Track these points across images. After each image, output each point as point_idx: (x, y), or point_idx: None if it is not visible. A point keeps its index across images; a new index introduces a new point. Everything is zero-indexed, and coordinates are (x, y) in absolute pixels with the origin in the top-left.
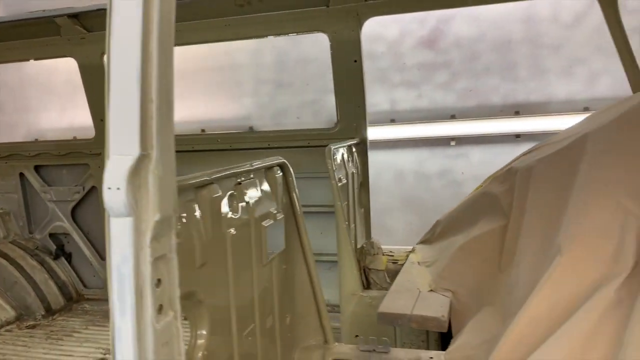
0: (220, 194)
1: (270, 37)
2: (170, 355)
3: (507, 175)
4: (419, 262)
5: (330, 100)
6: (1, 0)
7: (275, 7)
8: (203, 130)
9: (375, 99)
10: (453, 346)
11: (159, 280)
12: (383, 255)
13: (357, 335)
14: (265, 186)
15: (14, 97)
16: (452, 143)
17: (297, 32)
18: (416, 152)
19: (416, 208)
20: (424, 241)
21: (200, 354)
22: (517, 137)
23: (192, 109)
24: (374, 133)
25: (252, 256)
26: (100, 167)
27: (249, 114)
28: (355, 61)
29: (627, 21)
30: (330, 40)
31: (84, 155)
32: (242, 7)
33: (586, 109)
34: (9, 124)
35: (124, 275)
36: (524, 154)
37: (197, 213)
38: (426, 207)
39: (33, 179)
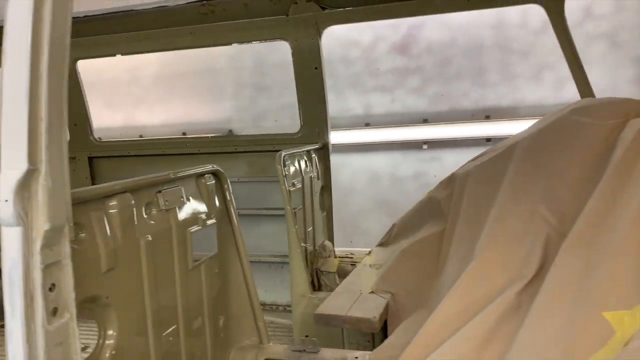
0: (133, 202)
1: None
2: (66, 354)
3: (450, 181)
4: (370, 265)
5: None
6: None
7: (238, 15)
8: (184, 133)
9: (350, 103)
10: (380, 346)
11: (53, 285)
12: (335, 257)
13: (306, 336)
14: (195, 193)
15: None
16: (425, 147)
17: (260, 40)
18: (390, 155)
19: (390, 210)
20: (381, 244)
21: (107, 354)
22: (488, 141)
23: (173, 113)
24: (349, 136)
25: (174, 261)
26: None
27: (229, 117)
28: (316, 68)
29: (593, 27)
30: (292, 48)
31: None
32: (206, 15)
33: None
34: None
35: (13, 280)
36: (471, 161)
37: (105, 221)
38: (400, 210)
39: None
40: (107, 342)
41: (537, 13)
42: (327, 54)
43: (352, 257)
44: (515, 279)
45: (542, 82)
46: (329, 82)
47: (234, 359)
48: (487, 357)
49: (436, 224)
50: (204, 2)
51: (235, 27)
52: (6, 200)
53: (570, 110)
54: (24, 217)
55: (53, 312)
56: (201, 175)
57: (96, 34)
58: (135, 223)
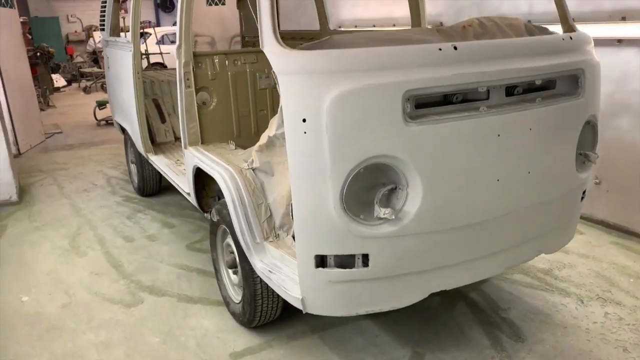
0: (225, 58)
1: None
2: (191, 100)
3: None
4: None
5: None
6: None
7: None
8: (374, 25)
9: None
10: None
11: (188, 79)
12: None
13: None
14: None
15: None
16: None
17: None
18: None
19: None
20: None
21: (211, 107)
22: (619, 42)
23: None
24: None
25: (248, 84)
26: None
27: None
28: None
29: None
30: None
31: None
32: None
33: None
34: None
35: (180, 75)
36: None
37: (212, 62)
38: None
39: None
40: (212, 105)
41: None
42: None
43: None
44: None
45: None
46: None
47: None
48: None
49: None
50: None
51: None
52: (177, 49)
53: None
54: (180, 55)
55: (187, 85)
56: None
57: None
58: (227, 66)
